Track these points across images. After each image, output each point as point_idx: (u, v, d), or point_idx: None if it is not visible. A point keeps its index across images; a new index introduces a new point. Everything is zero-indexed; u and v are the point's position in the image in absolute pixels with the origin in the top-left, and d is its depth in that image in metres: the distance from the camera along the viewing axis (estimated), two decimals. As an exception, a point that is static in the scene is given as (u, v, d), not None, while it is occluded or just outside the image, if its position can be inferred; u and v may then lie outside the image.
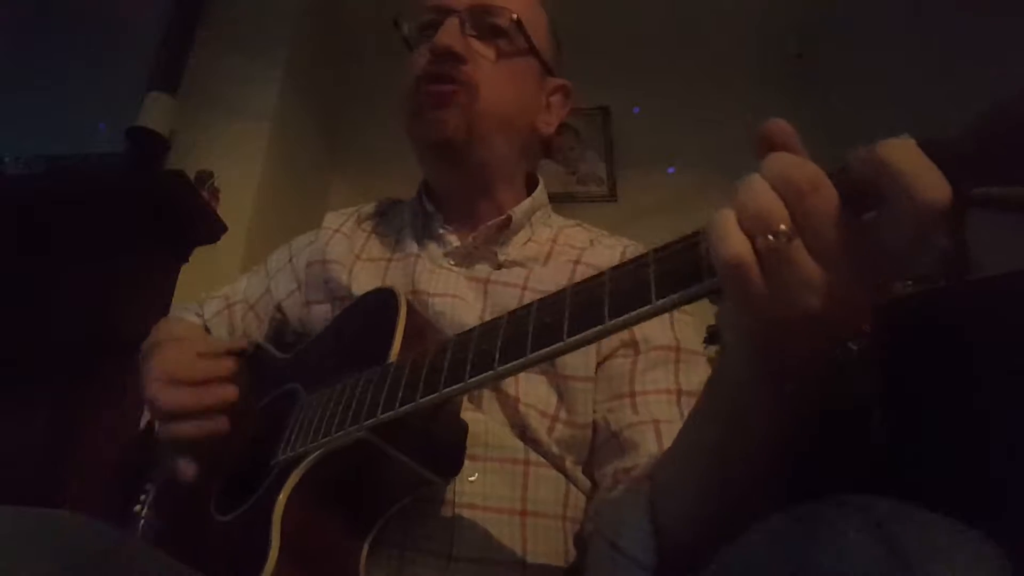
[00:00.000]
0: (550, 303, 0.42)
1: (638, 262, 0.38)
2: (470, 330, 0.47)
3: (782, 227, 0.30)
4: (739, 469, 0.41)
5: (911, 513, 0.32)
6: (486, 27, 0.72)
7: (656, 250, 0.37)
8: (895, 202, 0.28)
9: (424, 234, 0.77)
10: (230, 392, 0.59)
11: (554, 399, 0.63)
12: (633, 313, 0.36)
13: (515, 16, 0.72)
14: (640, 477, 0.53)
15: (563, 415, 0.63)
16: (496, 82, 0.71)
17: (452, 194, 0.77)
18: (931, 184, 0.28)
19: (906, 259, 0.30)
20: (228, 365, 0.62)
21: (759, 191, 0.30)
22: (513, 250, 0.73)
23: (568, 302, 0.40)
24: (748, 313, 0.32)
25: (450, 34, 0.69)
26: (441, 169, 0.76)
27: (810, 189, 0.30)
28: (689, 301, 0.34)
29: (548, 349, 0.39)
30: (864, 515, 0.32)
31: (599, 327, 0.37)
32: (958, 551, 0.30)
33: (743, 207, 0.31)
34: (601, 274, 0.40)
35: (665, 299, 0.35)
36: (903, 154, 0.28)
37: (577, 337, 0.38)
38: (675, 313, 0.68)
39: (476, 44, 0.71)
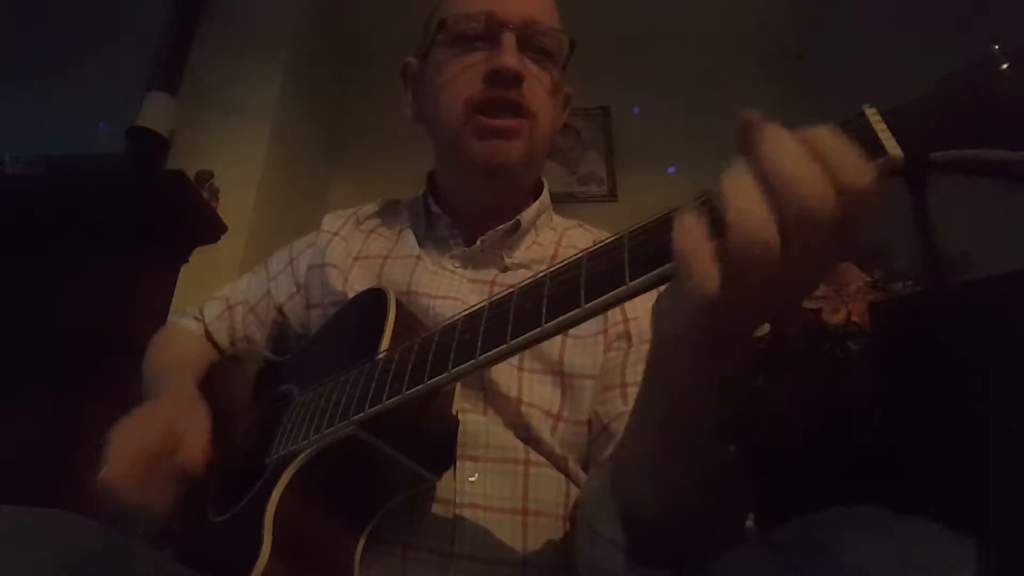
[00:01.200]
0: (529, 290, 0.42)
1: (613, 244, 0.38)
2: (454, 321, 0.47)
3: (769, 243, 0.30)
4: (683, 450, 0.42)
5: (911, 524, 0.32)
6: (536, 46, 0.70)
7: (631, 231, 0.38)
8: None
9: (427, 235, 0.77)
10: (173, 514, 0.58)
11: (558, 398, 0.64)
12: (609, 295, 0.36)
13: (566, 41, 0.72)
14: (606, 461, 0.54)
15: (567, 414, 0.63)
16: (547, 106, 0.71)
17: (475, 204, 0.75)
18: (852, 170, 0.29)
19: (845, 239, 0.31)
20: (190, 477, 0.59)
21: (749, 202, 0.30)
22: (519, 253, 0.73)
23: (547, 288, 0.40)
24: (698, 298, 0.32)
25: (515, 55, 0.66)
26: (485, 186, 0.74)
27: (816, 201, 0.30)
28: (663, 281, 0.35)
29: (528, 335, 0.40)
30: (867, 527, 0.32)
31: (576, 311, 0.37)
32: (958, 562, 0.30)
33: (735, 213, 0.30)
34: (578, 258, 0.40)
35: (639, 280, 0.35)
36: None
37: (555, 322, 0.38)
38: None
39: (530, 64, 0.69)
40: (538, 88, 0.70)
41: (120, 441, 0.57)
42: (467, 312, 0.46)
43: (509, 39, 0.67)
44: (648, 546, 0.45)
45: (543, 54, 0.71)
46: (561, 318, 0.38)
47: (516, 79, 0.67)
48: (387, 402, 0.47)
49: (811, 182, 0.29)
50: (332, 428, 0.50)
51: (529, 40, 0.70)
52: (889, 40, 1.93)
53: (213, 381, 0.77)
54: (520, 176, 0.73)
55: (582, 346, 0.65)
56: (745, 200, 0.30)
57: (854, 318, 1.23)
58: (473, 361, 0.42)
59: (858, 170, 0.29)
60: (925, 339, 1.00)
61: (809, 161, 0.30)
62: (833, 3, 2.20)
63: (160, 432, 0.58)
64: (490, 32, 0.68)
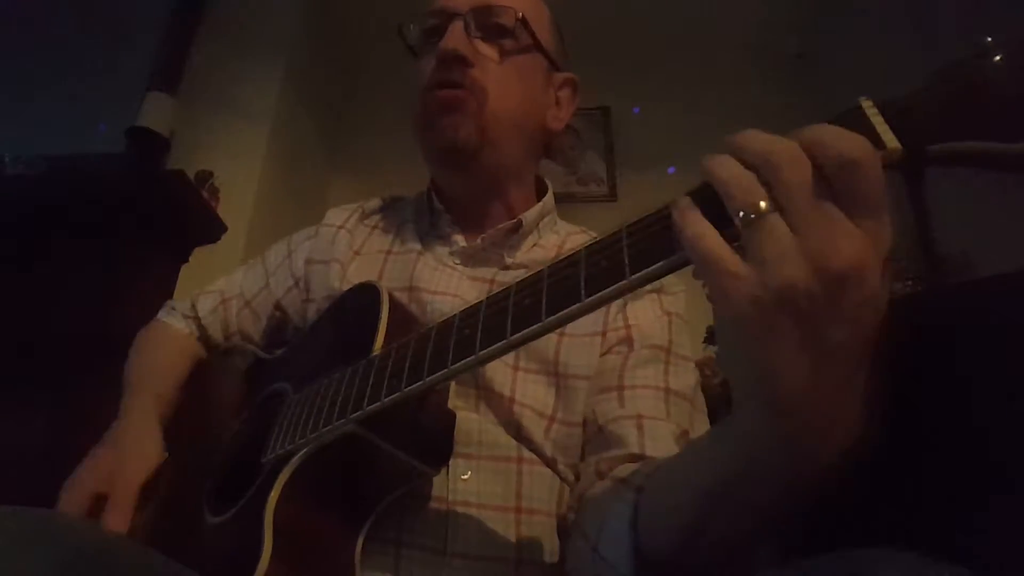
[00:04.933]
0: (528, 285, 0.42)
1: (613, 239, 0.38)
2: (451, 317, 0.47)
3: (762, 204, 0.30)
4: (732, 518, 0.39)
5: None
6: (491, 28, 0.71)
7: (629, 226, 0.37)
8: (827, 166, 0.30)
9: (430, 231, 0.77)
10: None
11: (552, 399, 0.63)
12: (609, 289, 0.36)
13: (520, 14, 0.71)
14: (627, 482, 0.51)
15: (560, 415, 0.63)
16: (505, 84, 0.70)
17: (463, 197, 0.76)
18: (847, 141, 0.29)
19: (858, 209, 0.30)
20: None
21: (735, 171, 0.31)
22: (520, 254, 0.73)
23: (546, 283, 0.40)
24: (728, 300, 0.31)
25: (456, 38, 0.68)
26: (452, 174, 0.75)
27: (789, 161, 0.30)
28: (664, 274, 0.35)
29: (528, 330, 0.39)
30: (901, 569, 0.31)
31: (576, 305, 0.37)
32: None
33: (723, 184, 0.31)
34: (577, 253, 0.40)
35: (639, 273, 0.35)
36: (820, 128, 0.30)
37: (555, 317, 0.38)
38: (673, 316, 0.69)
39: (482, 46, 0.70)
40: (491, 67, 0.70)
41: (69, 492, 0.61)
42: (464, 308, 0.46)
43: (454, 26, 0.69)
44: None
45: (499, 31, 0.71)
46: (561, 313, 0.38)
47: (457, 59, 0.68)
48: (385, 400, 0.46)
49: (780, 143, 0.31)
50: (330, 427, 0.49)
51: (482, 22, 0.71)
52: (889, 39, 1.93)
53: (205, 378, 0.76)
54: (480, 156, 0.70)
55: (578, 345, 0.65)
56: (727, 168, 0.31)
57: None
58: (473, 357, 0.42)
59: (838, 137, 0.30)
60: (925, 339, 1.00)
61: (775, 137, 0.31)
62: (833, 3, 2.20)
63: (91, 493, 0.61)
64: (444, 25, 0.70)
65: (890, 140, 0.31)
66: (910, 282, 1.38)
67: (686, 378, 0.65)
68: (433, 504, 0.56)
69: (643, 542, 0.45)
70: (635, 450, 0.56)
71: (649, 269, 0.34)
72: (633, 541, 0.45)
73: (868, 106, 0.32)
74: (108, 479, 0.61)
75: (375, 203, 0.84)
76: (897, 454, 0.96)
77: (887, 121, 0.31)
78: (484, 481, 0.58)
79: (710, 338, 1.56)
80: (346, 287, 0.69)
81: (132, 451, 0.65)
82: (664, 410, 0.60)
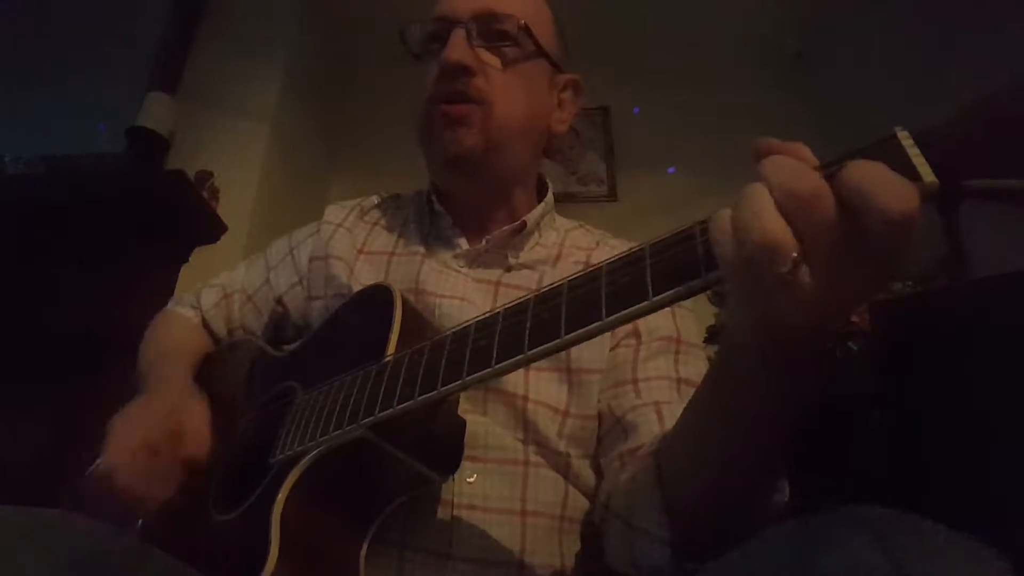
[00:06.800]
0: (546, 299, 0.42)
1: (635, 256, 0.38)
2: (466, 326, 0.46)
3: (793, 255, 0.29)
4: (739, 456, 0.42)
5: (913, 523, 0.32)
6: (493, 34, 0.70)
7: (652, 244, 0.37)
8: (867, 218, 0.29)
9: (431, 233, 0.77)
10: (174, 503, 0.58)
11: (564, 394, 0.64)
12: (630, 309, 0.36)
13: (522, 22, 0.71)
14: (646, 456, 0.53)
15: (574, 409, 0.64)
16: (509, 92, 0.70)
17: (467, 201, 0.76)
18: (896, 197, 0.28)
19: (889, 262, 0.31)
20: (193, 468, 0.59)
21: (768, 218, 0.30)
22: (523, 254, 0.73)
23: (565, 298, 0.40)
24: (752, 313, 0.33)
25: (458, 47, 0.67)
26: (457, 181, 0.75)
27: (814, 200, 0.29)
28: (687, 296, 0.34)
29: (545, 346, 0.39)
30: (867, 525, 0.32)
31: (597, 323, 0.37)
32: (958, 558, 0.30)
33: (750, 231, 0.30)
34: (598, 268, 0.40)
35: (662, 295, 0.35)
36: (866, 174, 0.29)
37: (575, 334, 0.38)
38: (678, 307, 0.69)
39: (484, 54, 0.70)
40: (494, 75, 0.69)
41: (120, 432, 0.57)
42: (481, 318, 0.46)
43: (456, 34, 0.68)
44: (690, 540, 0.46)
45: (501, 38, 0.71)
46: (581, 330, 0.38)
47: (460, 70, 0.67)
48: (398, 407, 0.46)
49: (811, 182, 0.30)
50: (340, 430, 0.49)
51: (484, 29, 0.70)
52: (889, 39, 1.93)
53: (210, 371, 0.76)
54: (485, 164, 0.70)
55: (589, 342, 0.65)
56: (756, 201, 0.30)
57: (854, 318, 1.23)
58: (489, 370, 0.42)
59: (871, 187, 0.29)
60: (925, 339, 1.00)
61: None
62: (833, 3, 2.20)
63: (161, 423, 0.58)
64: (445, 32, 0.69)
65: (927, 174, 0.30)
66: (910, 283, 1.38)
67: (696, 366, 0.66)
68: (438, 507, 0.56)
69: (671, 497, 0.47)
70: (657, 431, 0.57)
71: (673, 290, 0.34)
72: (663, 501, 0.47)
73: (904, 137, 0.31)
74: (171, 416, 0.59)
75: (373, 200, 0.84)
76: (900, 446, 0.96)
77: (924, 154, 0.30)
78: (490, 484, 0.58)
79: (710, 338, 1.56)
80: (356, 284, 0.69)
81: (185, 398, 0.63)
82: (677, 397, 0.62)
